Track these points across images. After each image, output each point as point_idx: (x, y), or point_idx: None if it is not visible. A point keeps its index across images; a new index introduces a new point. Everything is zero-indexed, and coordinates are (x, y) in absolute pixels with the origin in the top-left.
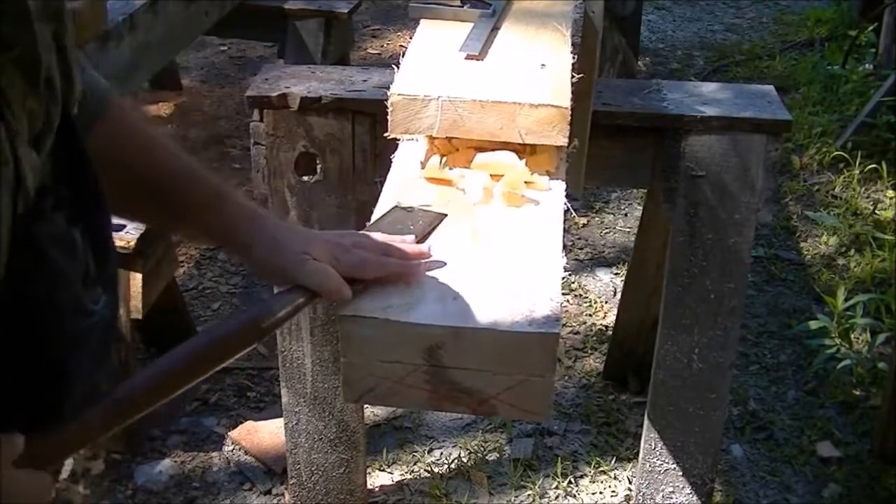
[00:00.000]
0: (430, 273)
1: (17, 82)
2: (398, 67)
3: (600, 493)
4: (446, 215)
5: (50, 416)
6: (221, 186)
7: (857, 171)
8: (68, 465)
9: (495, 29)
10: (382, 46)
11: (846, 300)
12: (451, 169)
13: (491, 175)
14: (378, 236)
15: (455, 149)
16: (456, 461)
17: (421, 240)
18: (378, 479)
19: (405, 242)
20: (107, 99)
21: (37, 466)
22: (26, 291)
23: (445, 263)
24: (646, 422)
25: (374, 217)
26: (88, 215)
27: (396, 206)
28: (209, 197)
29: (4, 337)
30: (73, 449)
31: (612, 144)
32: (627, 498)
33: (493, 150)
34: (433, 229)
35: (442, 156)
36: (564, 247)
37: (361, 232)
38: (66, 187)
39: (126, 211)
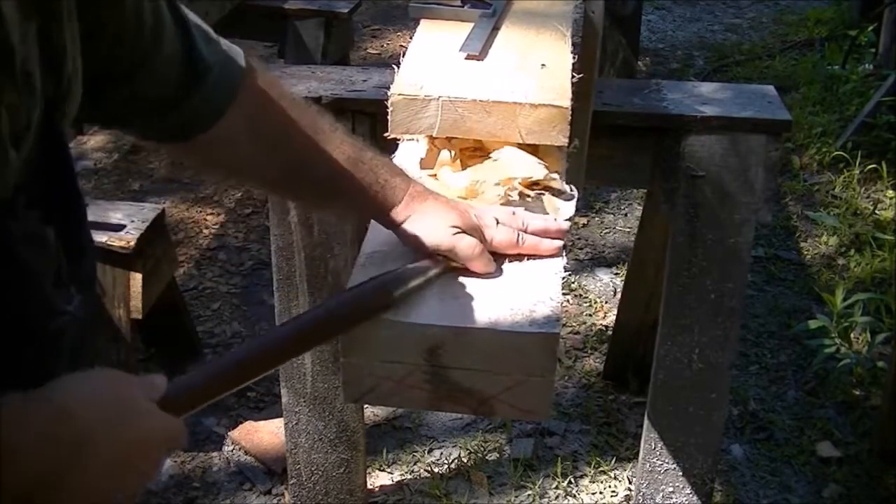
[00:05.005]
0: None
1: None
2: (398, 67)
3: (600, 493)
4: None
5: None
6: (379, 167)
7: (857, 171)
8: None
9: (495, 29)
10: (382, 46)
11: (846, 300)
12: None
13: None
14: (520, 212)
15: (458, 149)
16: (456, 461)
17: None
18: (378, 479)
19: (546, 219)
20: (239, 81)
21: (173, 412)
22: None
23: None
24: (646, 422)
25: None
26: (63, 214)
27: None
28: (367, 182)
29: None
30: (207, 398)
31: (612, 144)
32: (627, 498)
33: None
34: None
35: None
36: (564, 247)
37: (503, 207)
38: (42, 185)
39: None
